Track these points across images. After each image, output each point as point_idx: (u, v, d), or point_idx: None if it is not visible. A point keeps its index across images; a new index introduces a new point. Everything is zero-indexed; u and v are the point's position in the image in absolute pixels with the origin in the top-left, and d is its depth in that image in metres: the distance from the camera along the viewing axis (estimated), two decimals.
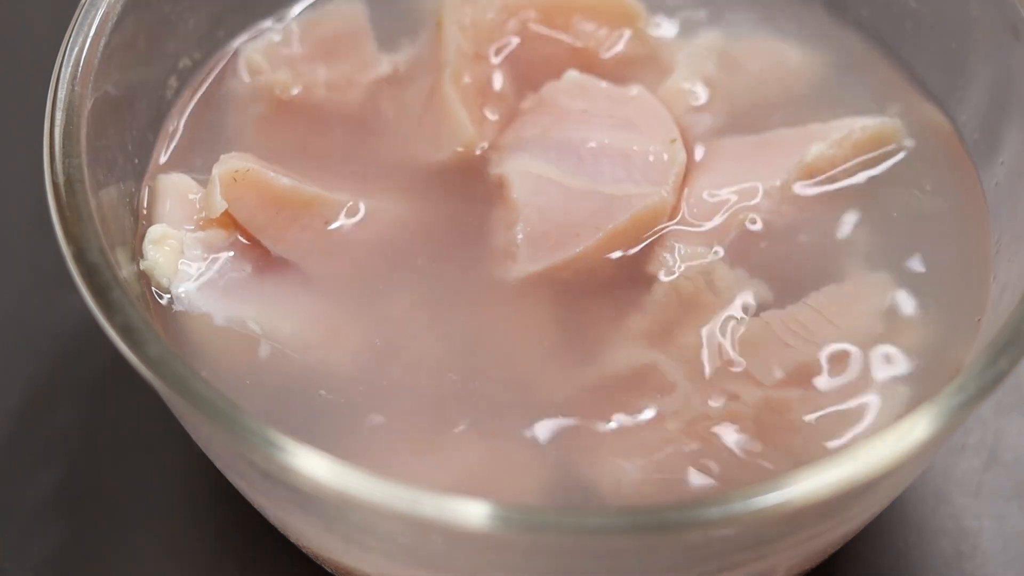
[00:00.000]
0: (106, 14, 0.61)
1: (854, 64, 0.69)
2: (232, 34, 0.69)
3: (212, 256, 0.62)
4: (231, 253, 0.62)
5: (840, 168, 0.65)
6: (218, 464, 0.59)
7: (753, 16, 0.71)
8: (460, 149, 0.65)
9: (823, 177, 0.65)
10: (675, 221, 0.63)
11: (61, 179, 0.57)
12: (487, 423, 0.59)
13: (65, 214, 0.56)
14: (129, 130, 0.64)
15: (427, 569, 0.55)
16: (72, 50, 0.60)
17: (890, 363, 0.61)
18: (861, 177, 0.65)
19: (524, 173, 0.64)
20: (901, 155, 0.66)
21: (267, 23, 0.70)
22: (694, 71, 0.68)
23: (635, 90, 0.67)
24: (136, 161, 0.64)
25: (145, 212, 0.64)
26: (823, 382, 0.60)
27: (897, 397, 0.59)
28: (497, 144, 0.66)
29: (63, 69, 0.60)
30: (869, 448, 0.51)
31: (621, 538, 0.50)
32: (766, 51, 0.70)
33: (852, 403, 0.59)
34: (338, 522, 0.55)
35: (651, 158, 0.64)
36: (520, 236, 0.62)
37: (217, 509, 0.67)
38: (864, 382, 0.60)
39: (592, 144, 0.64)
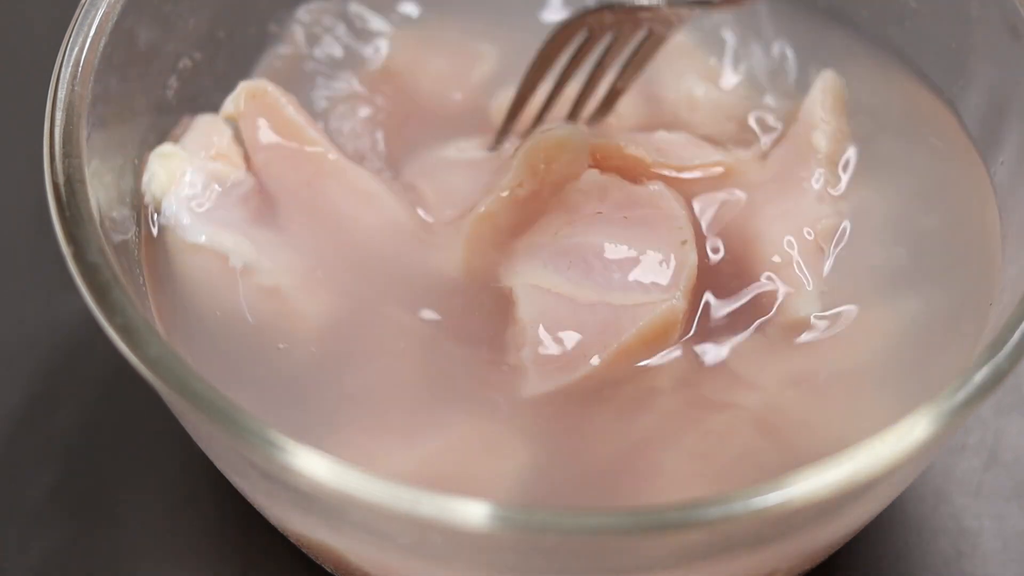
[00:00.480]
0: (106, 14, 0.61)
1: (854, 64, 0.69)
2: (232, 34, 0.69)
3: (212, 186, 0.63)
4: (230, 190, 0.63)
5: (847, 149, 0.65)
6: (218, 464, 0.59)
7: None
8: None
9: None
10: (690, 335, 0.61)
11: (61, 179, 0.57)
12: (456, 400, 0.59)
13: (65, 214, 0.56)
14: (129, 130, 0.64)
15: (427, 569, 0.55)
16: (72, 50, 0.60)
17: (888, 363, 0.61)
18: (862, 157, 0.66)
19: (532, 287, 0.61)
20: (889, 123, 0.67)
21: (270, 26, 0.71)
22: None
23: (654, 187, 0.64)
24: (136, 162, 0.64)
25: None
26: (823, 383, 0.60)
27: (897, 394, 0.59)
28: (512, 249, 0.63)
29: (63, 69, 0.60)
30: (869, 448, 0.51)
31: (621, 538, 0.50)
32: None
33: (851, 403, 0.60)
34: (338, 522, 0.55)
35: (663, 263, 0.61)
36: (528, 359, 0.60)
37: (217, 509, 0.67)
38: (863, 382, 0.60)
39: (602, 250, 0.62)
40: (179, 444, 0.66)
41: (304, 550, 0.62)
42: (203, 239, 0.62)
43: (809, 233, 0.63)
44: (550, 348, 0.60)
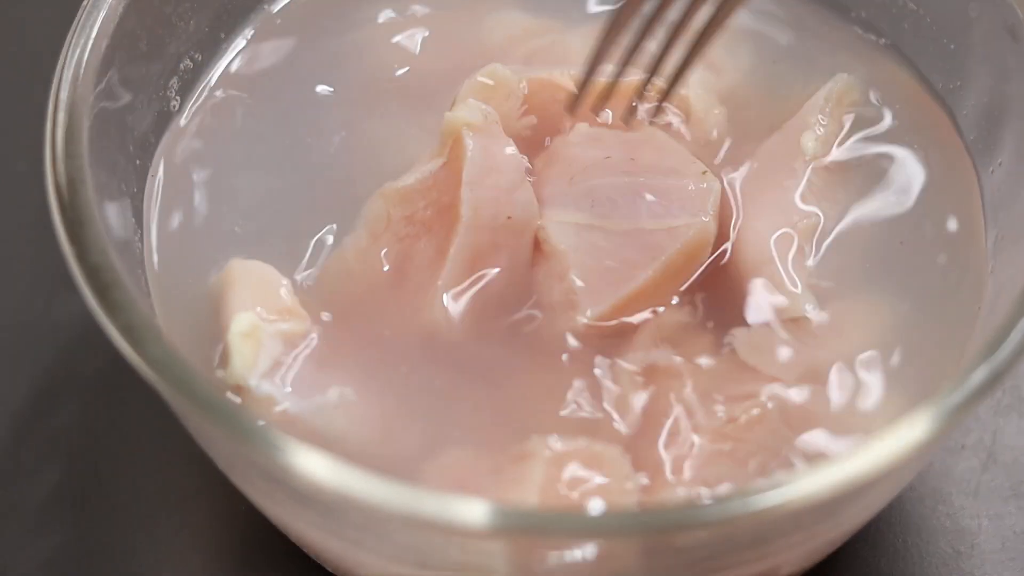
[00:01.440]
0: (108, 15, 0.61)
1: (854, 66, 0.69)
2: (233, 35, 0.70)
3: (289, 351, 0.60)
4: (304, 349, 0.60)
5: (841, 149, 0.65)
6: (219, 464, 0.59)
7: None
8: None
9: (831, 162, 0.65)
10: (720, 251, 0.63)
11: (63, 180, 0.57)
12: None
13: (67, 215, 0.56)
14: (131, 131, 0.64)
15: (427, 569, 0.55)
16: (74, 51, 0.60)
17: (886, 364, 0.61)
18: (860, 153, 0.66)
19: (561, 224, 0.62)
20: (887, 123, 0.66)
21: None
22: (706, 105, 0.67)
23: (647, 132, 0.65)
24: (138, 162, 0.64)
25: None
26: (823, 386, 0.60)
27: (893, 398, 0.60)
28: (550, 188, 0.64)
29: (65, 70, 0.60)
30: (868, 448, 0.51)
31: (621, 538, 0.51)
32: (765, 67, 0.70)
33: (850, 404, 0.60)
34: (339, 522, 0.55)
35: (686, 191, 0.63)
36: (577, 282, 0.61)
37: (218, 509, 0.67)
38: (861, 381, 0.60)
39: (623, 186, 0.63)
40: (180, 444, 0.66)
41: (304, 550, 0.62)
42: (294, 409, 0.59)
43: (791, 231, 0.63)
44: (597, 267, 0.61)
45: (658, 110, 0.64)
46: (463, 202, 0.61)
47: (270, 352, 0.59)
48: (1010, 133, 0.64)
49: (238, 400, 0.58)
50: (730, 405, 0.59)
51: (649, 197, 0.63)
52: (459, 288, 0.62)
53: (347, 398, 0.59)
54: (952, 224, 0.65)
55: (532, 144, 0.65)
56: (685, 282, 0.62)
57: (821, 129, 0.65)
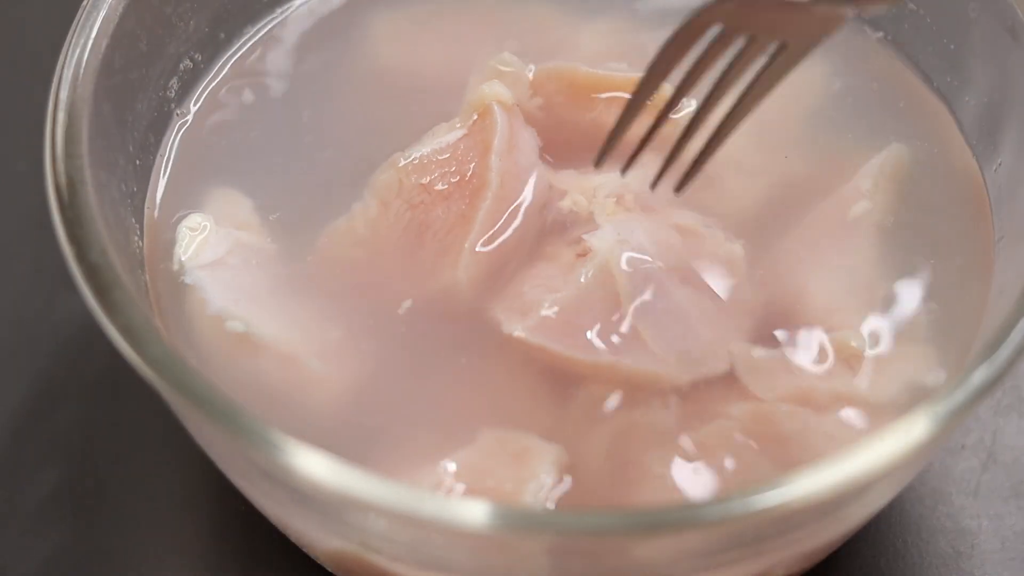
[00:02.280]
0: (108, 15, 0.61)
1: (853, 66, 0.69)
2: (233, 35, 0.70)
3: (237, 254, 0.63)
4: (250, 257, 0.63)
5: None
6: (219, 464, 0.59)
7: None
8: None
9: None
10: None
11: (63, 180, 0.57)
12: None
13: (67, 215, 0.56)
14: (131, 131, 0.64)
15: (427, 569, 0.55)
16: (74, 51, 0.60)
17: (888, 362, 0.61)
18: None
19: (606, 269, 0.61)
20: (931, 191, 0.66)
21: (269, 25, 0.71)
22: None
23: (746, 289, 0.63)
24: (138, 162, 0.64)
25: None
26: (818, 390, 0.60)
27: (897, 393, 0.60)
28: (624, 222, 0.63)
29: (65, 70, 0.60)
30: (868, 448, 0.51)
31: (621, 538, 0.51)
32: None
33: (850, 406, 0.60)
34: (338, 522, 0.55)
35: (701, 349, 0.61)
36: (547, 303, 0.61)
37: (218, 509, 0.67)
38: (869, 385, 0.60)
39: (676, 299, 0.61)
40: (180, 444, 0.66)
41: (304, 550, 0.62)
42: (221, 307, 0.61)
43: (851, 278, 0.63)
44: (568, 314, 0.60)
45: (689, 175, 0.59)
46: (491, 170, 0.63)
47: (215, 249, 0.62)
48: (1010, 133, 0.64)
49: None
50: (701, 423, 0.59)
51: (677, 326, 0.61)
52: (483, 251, 0.62)
53: (284, 320, 0.61)
54: (953, 224, 0.65)
55: (543, 126, 0.66)
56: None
57: (875, 204, 0.64)
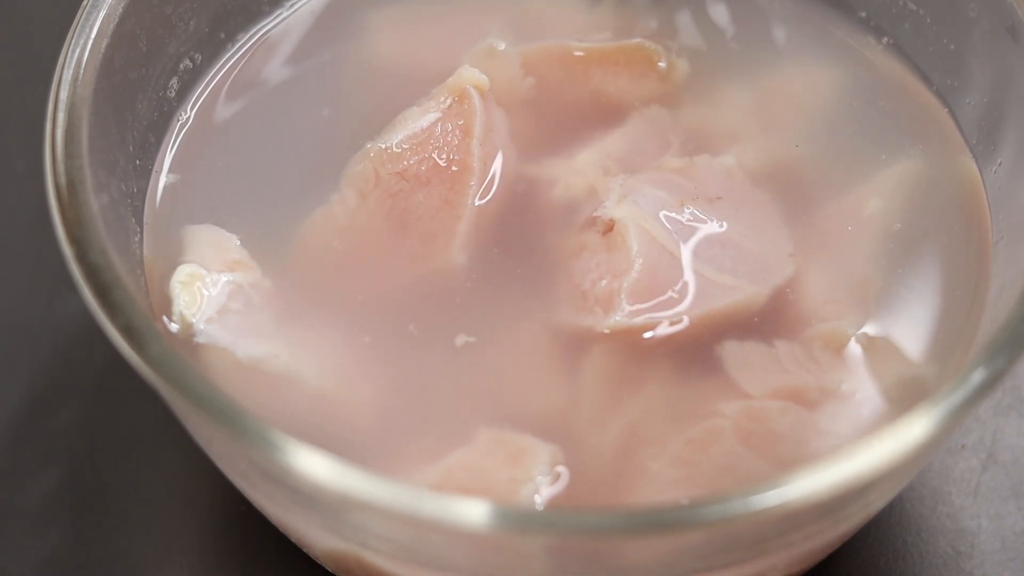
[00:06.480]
0: (108, 15, 0.61)
1: (854, 67, 0.69)
2: (233, 35, 0.70)
3: (236, 296, 0.62)
4: (251, 294, 0.62)
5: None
6: (219, 464, 0.59)
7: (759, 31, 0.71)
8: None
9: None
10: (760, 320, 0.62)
11: (63, 180, 0.57)
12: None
13: (67, 215, 0.56)
14: (131, 131, 0.64)
15: (427, 569, 0.55)
16: (74, 51, 0.60)
17: (887, 361, 0.61)
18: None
19: (643, 230, 0.62)
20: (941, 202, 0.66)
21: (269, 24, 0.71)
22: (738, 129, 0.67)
23: (753, 194, 0.65)
24: (138, 162, 0.64)
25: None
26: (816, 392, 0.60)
27: (887, 389, 0.60)
28: (624, 181, 0.64)
29: (65, 70, 0.60)
30: (867, 449, 0.51)
31: (621, 538, 0.51)
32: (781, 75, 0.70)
33: (840, 401, 0.60)
34: (338, 522, 0.55)
35: (762, 262, 0.62)
36: (626, 285, 0.61)
37: (218, 509, 0.67)
38: (860, 379, 0.60)
39: (712, 230, 0.63)
40: (180, 444, 0.66)
41: (304, 550, 0.62)
42: (241, 353, 0.60)
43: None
44: (647, 281, 0.61)
45: None
46: (473, 155, 0.63)
47: (216, 300, 0.61)
48: (1011, 133, 0.64)
49: (184, 342, 0.60)
50: (692, 423, 0.59)
51: (728, 251, 0.62)
52: (474, 234, 0.63)
53: (302, 349, 0.61)
54: (953, 225, 0.65)
55: (534, 108, 0.67)
56: (722, 338, 0.62)
57: (886, 211, 0.65)
